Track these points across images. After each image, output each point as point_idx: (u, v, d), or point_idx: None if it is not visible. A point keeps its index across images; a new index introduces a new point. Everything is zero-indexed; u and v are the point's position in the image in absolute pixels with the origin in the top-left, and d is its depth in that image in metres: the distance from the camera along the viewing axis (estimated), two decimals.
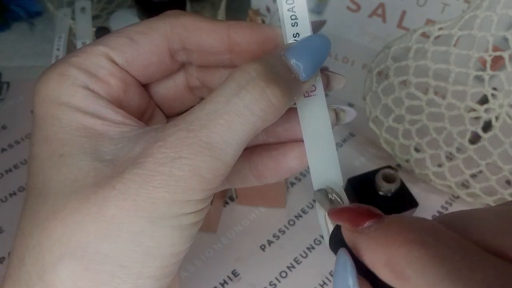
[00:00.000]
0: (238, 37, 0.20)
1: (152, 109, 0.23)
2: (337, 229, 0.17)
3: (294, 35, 0.20)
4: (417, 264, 0.13)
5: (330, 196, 0.20)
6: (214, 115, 0.17)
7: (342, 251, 0.15)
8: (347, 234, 0.16)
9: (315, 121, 0.21)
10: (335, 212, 0.17)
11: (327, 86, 0.22)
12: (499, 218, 0.14)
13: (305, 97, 0.21)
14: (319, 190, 0.20)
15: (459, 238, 0.13)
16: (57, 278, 0.16)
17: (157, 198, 0.17)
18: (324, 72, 0.21)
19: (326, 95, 0.21)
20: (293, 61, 0.19)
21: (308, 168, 0.21)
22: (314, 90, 0.21)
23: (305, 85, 0.19)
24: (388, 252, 0.14)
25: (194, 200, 0.17)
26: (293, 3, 0.20)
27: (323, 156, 0.21)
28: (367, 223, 0.15)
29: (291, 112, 0.21)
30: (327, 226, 0.19)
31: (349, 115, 0.22)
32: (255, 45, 0.20)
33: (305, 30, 0.20)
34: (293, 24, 0.20)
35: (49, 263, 0.17)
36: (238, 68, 0.18)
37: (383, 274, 0.14)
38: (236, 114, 0.17)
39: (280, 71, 0.18)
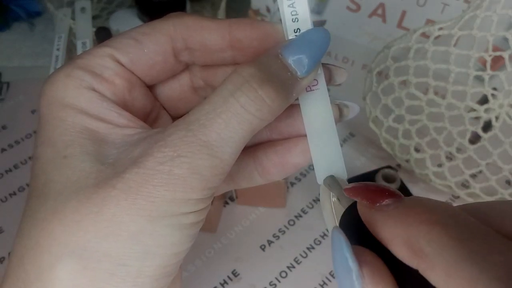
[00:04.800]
0: (239, 34, 0.20)
1: (157, 111, 0.23)
2: (350, 208, 0.17)
3: (295, 31, 0.20)
4: (437, 243, 0.13)
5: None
6: (212, 114, 0.17)
7: (336, 231, 0.15)
8: (364, 210, 0.16)
9: (318, 114, 0.21)
10: (353, 188, 0.17)
11: (329, 80, 0.22)
12: None
13: (307, 91, 0.21)
14: (330, 176, 0.21)
15: (479, 224, 0.13)
16: (55, 277, 0.16)
17: (156, 197, 0.17)
18: (326, 65, 0.21)
19: (328, 90, 0.21)
20: (290, 58, 0.19)
21: (311, 164, 0.21)
22: (316, 84, 0.21)
23: (305, 81, 0.19)
24: (408, 230, 0.14)
25: (193, 199, 0.17)
26: None
27: (326, 150, 0.21)
28: (386, 201, 0.15)
29: (294, 108, 0.21)
30: (333, 211, 0.19)
31: (353, 111, 0.22)
32: (256, 42, 0.21)
33: (306, 25, 0.20)
34: (293, 20, 0.20)
35: (47, 263, 0.17)
36: (234, 70, 0.18)
37: (400, 251, 0.14)
38: (232, 113, 0.17)
39: (275, 70, 0.18)
